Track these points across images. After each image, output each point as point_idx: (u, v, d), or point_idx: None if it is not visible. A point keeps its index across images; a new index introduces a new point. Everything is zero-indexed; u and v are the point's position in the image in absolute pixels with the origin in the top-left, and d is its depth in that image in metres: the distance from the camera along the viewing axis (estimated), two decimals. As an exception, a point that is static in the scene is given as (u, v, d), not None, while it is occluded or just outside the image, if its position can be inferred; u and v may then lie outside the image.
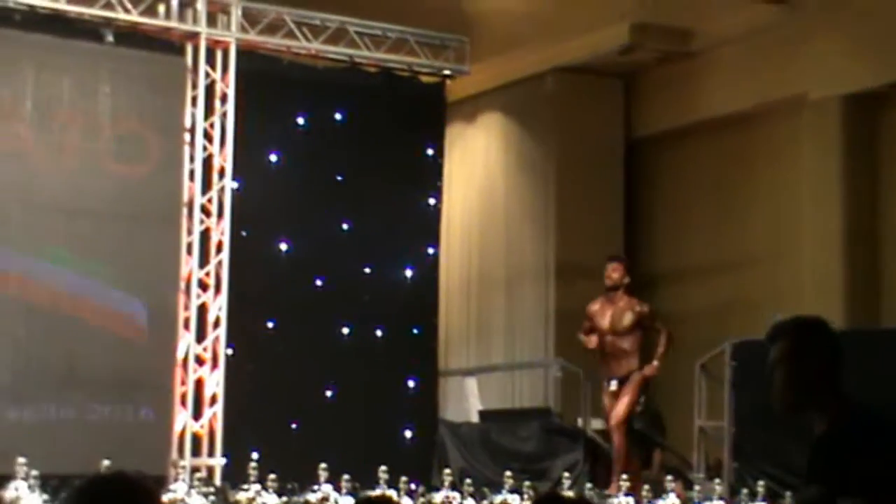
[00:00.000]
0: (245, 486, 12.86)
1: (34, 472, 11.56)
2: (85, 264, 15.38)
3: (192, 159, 16.20)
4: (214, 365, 16.04)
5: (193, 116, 16.22)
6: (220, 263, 16.20)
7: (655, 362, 15.92)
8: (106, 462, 11.76)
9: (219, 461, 15.64)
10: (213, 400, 15.98)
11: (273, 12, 16.59)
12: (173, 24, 16.02)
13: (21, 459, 12.56)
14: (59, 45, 15.38)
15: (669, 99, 19.99)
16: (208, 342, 16.06)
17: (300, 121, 17.45)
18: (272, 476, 13.08)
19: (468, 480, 15.63)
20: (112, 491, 3.68)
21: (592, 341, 15.98)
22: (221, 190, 16.30)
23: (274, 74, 16.84)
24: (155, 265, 15.74)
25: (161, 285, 15.74)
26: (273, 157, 17.27)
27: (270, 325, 17.13)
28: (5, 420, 14.55)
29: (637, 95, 20.70)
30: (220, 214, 16.25)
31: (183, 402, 15.81)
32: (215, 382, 16.02)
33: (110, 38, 15.58)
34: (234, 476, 15.30)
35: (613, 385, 15.39)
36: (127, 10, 15.67)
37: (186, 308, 15.98)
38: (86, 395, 14.98)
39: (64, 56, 15.44)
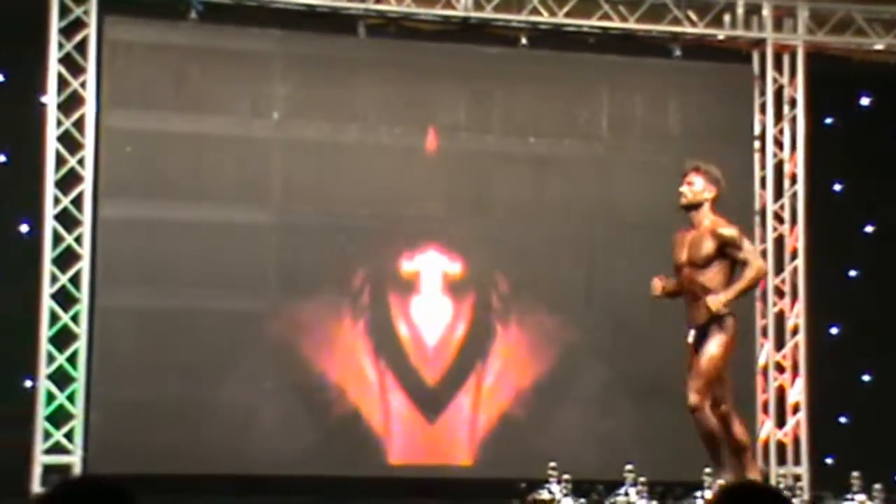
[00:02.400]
0: (849, 497, 12.60)
1: (642, 479, 11.99)
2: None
3: (762, 166, 16.14)
4: (795, 373, 15.88)
5: (762, 123, 16.17)
6: (794, 270, 16.02)
7: (722, 296, 11.03)
8: (707, 470, 11.89)
9: (805, 469, 15.51)
10: (796, 408, 15.83)
11: (842, 10, 16.19)
12: (739, 32, 16.05)
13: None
14: (630, 64, 15.83)
15: None
16: (787, 350, 15.92)
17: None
18: (877, 486, 12.73)
19: None
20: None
21: (657, 286, 11.22)
22: (793, 196, 16.12)
23: (843, 75, 16.45)
24: (730, 274, 15.79)
25: (738, 294, 15.74)
26: (845, 160, 16.89)
27: (834, 330, 16.77)
28: (597, 430, 15.20)
29: None
30: (794, 221, 16.07)
31: (765, 410, 15.78)
32: (797, 391, 15.85)
33: (678, 53, 15.85)
34: (813, 484, 15.11)
35: (691, 336, 11.08)
36: (693, 24, 15.88)
37: (763, 316, 15.93)
38: (670, 405, 15.21)
39: (634, 74, 15.88)
